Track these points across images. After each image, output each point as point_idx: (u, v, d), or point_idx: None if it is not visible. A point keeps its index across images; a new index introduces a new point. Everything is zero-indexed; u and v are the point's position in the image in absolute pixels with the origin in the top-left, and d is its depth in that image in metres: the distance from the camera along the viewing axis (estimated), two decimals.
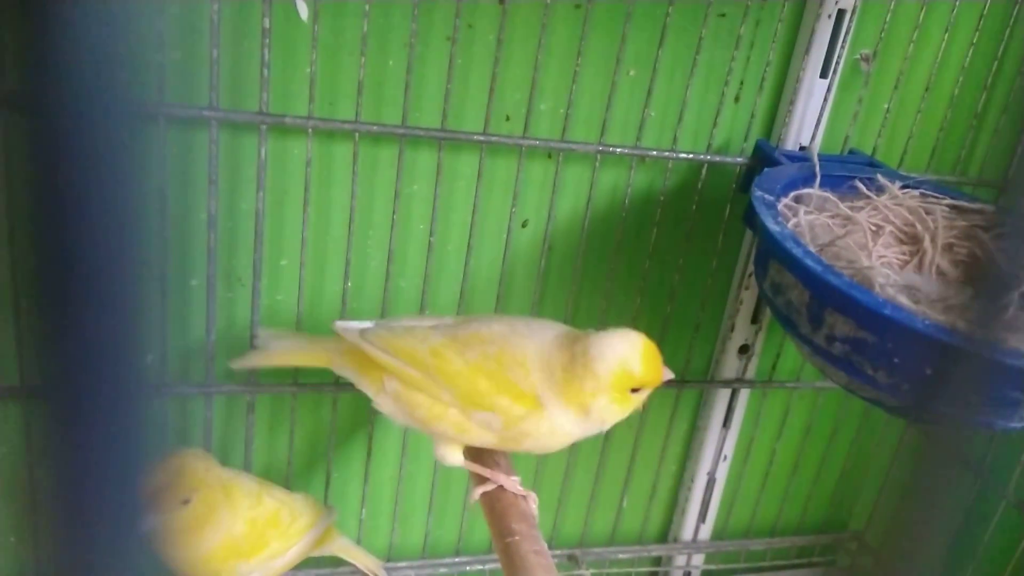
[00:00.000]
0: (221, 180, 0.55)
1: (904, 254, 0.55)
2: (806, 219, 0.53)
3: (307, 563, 0.67)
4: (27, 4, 0.12)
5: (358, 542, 0.68)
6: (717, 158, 0.63)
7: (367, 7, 0.52)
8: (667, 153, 0.62)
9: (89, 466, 0.14)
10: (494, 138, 0.58)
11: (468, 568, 0.71)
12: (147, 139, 0.13)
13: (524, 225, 0.63)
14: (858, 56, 0.65)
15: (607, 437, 0.71)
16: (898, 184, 0.59)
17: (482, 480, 0.51)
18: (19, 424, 0.57)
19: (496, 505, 0.50)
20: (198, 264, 0.56)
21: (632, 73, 0.61)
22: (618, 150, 0.61)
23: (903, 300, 0.46)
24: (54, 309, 0.14)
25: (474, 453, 0.52)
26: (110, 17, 0.13)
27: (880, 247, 0.54)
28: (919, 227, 0.56)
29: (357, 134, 0.55)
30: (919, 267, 0.55)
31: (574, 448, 0.71)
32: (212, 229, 0.54)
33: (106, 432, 0.14)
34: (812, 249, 0.48)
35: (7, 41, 0.13)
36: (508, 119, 0.59)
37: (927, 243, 0.55)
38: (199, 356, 0.58)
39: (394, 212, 0.58)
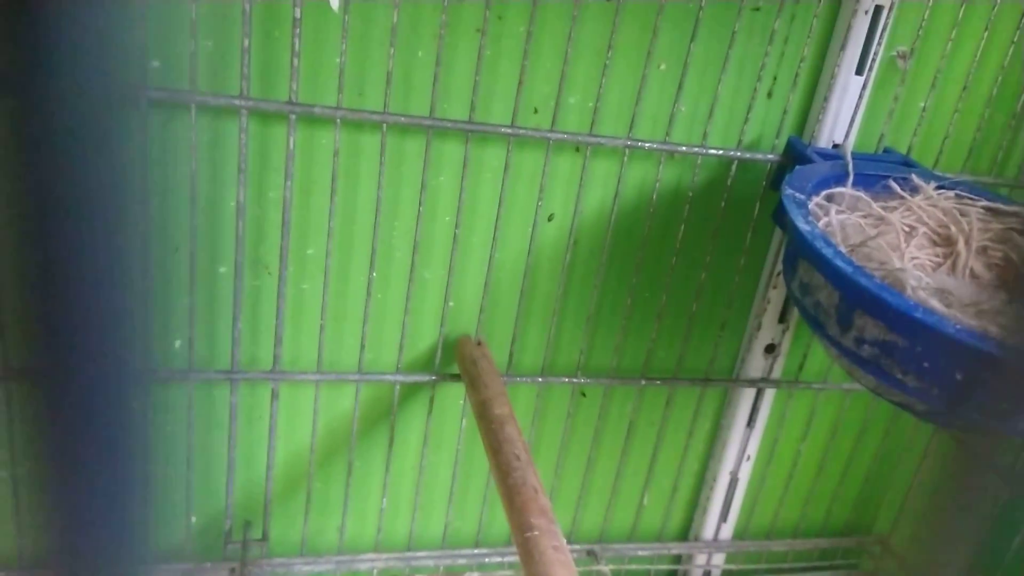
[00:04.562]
0: (250, 169, 0.55)
1: (937, 256, 0.54)
2: (837, 218, 0.52)
3: (318, 550, 0.68)
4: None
5: (378, 532, 0.69)
6: (748, 155, 0.62)
7: None
8: (697, 149, 0.61)
9: (85, 453, 0.14)
10: (521, 131, 0.57)
11: (487, 560, 0.71)
12: (135, 122, 0.13)
13: (550, 219, 0.63)
14: (894, 53, 0.64)
15: (629, 434, 0.71)
16: (933, 184, 0.58)
17: None
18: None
19: (516, 499, 0.50)
20: (226, 252, 0.57)
21: (663, 67, 0.60)
22: (647, 145, 0.60)
23: (935, 303, 0.46)
24: (41, 293, 0.14)
25: (495, 446, 0.52)
26: (137, 9, 0.13)
27: (913, 248, 0.53)
28: (953, 229, 0.55)
29: (385, 125, 0.55)
30: (952, 270, 0.54)
31: (596, 444, 0.71)
32: (240, 217, 0.55)
33: (104, 419, 0.14)
34: (843, 249, 0.47)
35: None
36: (536, 112, 0.59)
37: (961, 245, 0.53)
38: (225, 343, 0.59)
39: (420, 203, 0.58)
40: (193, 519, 0.64)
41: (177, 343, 0.59)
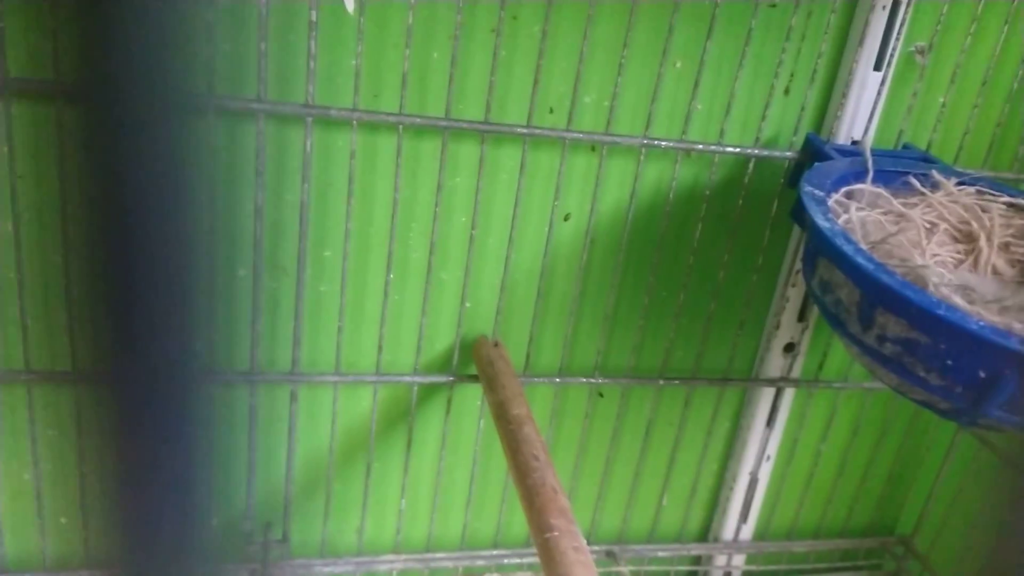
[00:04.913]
0: (267, 171, 0.55)
1: (959, 253, 0.54)
2: (857, 215, 0.52)
3: (338, 552, 0.68)
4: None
5: (397, 533, 0.69)
6: (765, 152, 0.62)
7: (412, 0, 0.52)
8: (713, 147, 0.61)
9: (147, 452, 0.15)
10: (537, 131, 0.57)
11: (506, 561, 0.71)
12: (202, 130, 0.13)
13: (566, 219, 0.63)
14: (913, 48, 0.63)
15: (648, 434, 0.71)
16: (953, 180, 0.57)
17: None
18: (70, 408, 0.58)
19: (535, 500, 0.50)
20: (244, 254, 0.57)
21: (679, 65, 0.60)
22: (663, 143, 0.60)
23: (957, 300, 0.45)
24: (111, 297, 0.14)
25: (513, 447, 0.52)
26: (165, 9, 0.13)
27: (934, 245, 0.53)
28: (975, 225, 0.54)
29: (401, 126, 0.55)
30: (974, 266, 0.53)
31: (614, 444, 0.71)
32: (258, 220, 0.55)
33: (165, 418, 0.14)
34: (863, 247, 0.46)
35: (64, 34, 0.13)
36: (552, 111, 0.59)
37: (983, 242, 0.53)
38: (243, 344, 0.59)
39: (436, 204, 0.58)
40: (213, 520, 0.65)
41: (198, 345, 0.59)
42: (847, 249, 0.45)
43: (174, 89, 0.13)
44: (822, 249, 0.49)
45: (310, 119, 0.53)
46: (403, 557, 0.68)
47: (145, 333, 0.14)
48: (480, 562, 0.71)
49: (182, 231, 0.14)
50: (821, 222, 0.47)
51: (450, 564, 0.70)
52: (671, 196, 0.62)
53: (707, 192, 0.63)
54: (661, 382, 0.68)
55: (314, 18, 0.51)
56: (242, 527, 0.65)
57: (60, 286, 0.55)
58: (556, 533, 0.47)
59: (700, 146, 0.61)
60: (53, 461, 0.60)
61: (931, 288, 0.46)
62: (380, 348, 0.62)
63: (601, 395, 0.69)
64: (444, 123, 0.55)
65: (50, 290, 0.56)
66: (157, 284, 0.14)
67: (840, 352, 0.71)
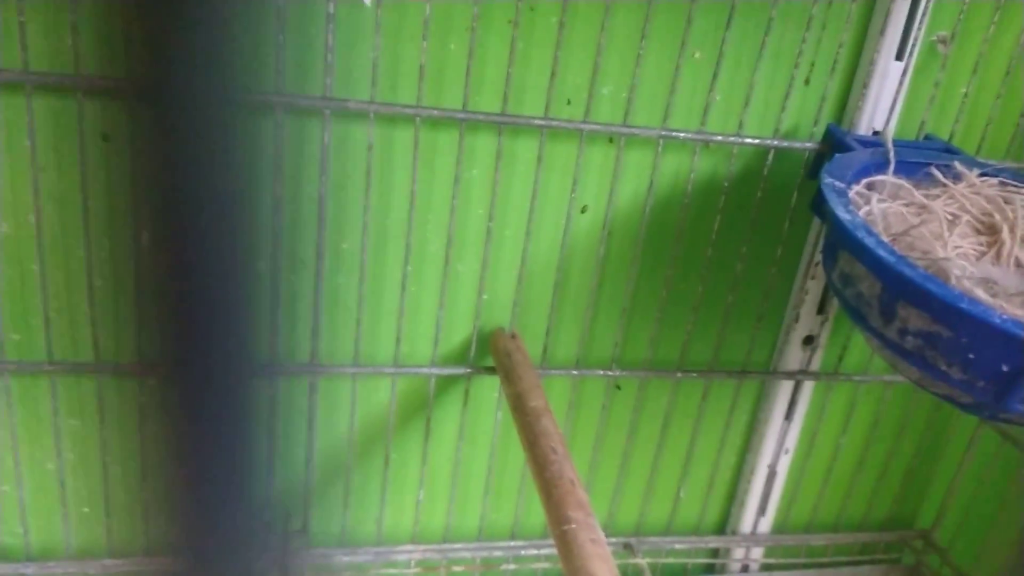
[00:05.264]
0: (285, 164, 0.55)
1: (981, 245, 0.53)
2: (879, 207, 0.51)
3: (357, 542, 0.68)
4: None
5: (415, 524, 0.69)
6: (785, 143, 0.61)
7: None
8: (732, 138, 0.60)
9: (207, 442, 0.15)
10: (554, 122, 0.57)
11: (523, 552, 0.71)
12: (259, 127, 0.13)
13: (583, 211, 0.62)
14: (935, 38, 0.62)
15: (665, 427, 0.71)
16: (976, 172, 0.57)
17: None
18: (93, 397, 0.59)
19: (553, 492, 0.50)
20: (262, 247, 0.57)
21: (697, 55, 0.59)
22: (681, 135, 0.60)
23: (980, 293, 0.45)
24: (173, 292, 0.14)
25: (531, 439, 0.52)
26: (231, 11, 0.13)
27: (956, 237, 0.52)
28: (997, 217, 0.53)
29: (418, 118, 0.55)
30: (997, 259, 0.52)
31: (632, 437, 0.71)
32: (277, 213, 0.55)
33: (222, 410, 0.15)
34: (885, 239, 0.46)
35: (135, 33, 0.13)
36: (569, 103, 0.59)
37: (1005, 234, 0.52)
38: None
39: (453, 197, 0.58)
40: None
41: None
42: (868, 241, 0.44)
43: (241, 88, 0.13)
44: (843, 241, 0.48)
45: (328, 111, 0.54)
46: (421, 547, 0.69)
47: (208, 327, 0.14)
48: (498, 553, 0.71)
49: (244, 227, 0.14)
50: (842, 214, 0.47)
51: (468, 555, 0.70)
52: (689, 188, 0.62)
53: (726, 184, 0.62)
54: (679, 374, 0.68)
55: (332, 10, 0.51)
56: (263, 517, 0.65)
57: (83, 278, 0.56)
58: (574, 525, 0.47)
59: (719, 137, 0.60)
60: (76, 451, 0.61)
61: (953, 281, 0.45)
62: (398, 340, 0.62)
63: (618, 387, 0.69)
64: (461, 115, 0.55)
65: (72, 282, 0.56)
66: (221, 279, 0.14)
67: (860, 345, 0.71)
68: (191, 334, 0.14)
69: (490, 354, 0.64)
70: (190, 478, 0.15)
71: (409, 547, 0.68)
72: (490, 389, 0.67)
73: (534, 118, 0.57)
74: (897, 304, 0.45)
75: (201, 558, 0.15)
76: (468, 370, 0.64)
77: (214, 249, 0.14)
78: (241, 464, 0.15)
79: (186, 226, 0.13)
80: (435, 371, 0.63)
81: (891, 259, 0.43)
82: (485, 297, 0.63)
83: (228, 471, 0.15)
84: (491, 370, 0.64)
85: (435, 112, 0.55)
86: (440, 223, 0.60)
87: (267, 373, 0.15)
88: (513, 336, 0.63)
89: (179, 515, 0.15)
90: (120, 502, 0.63)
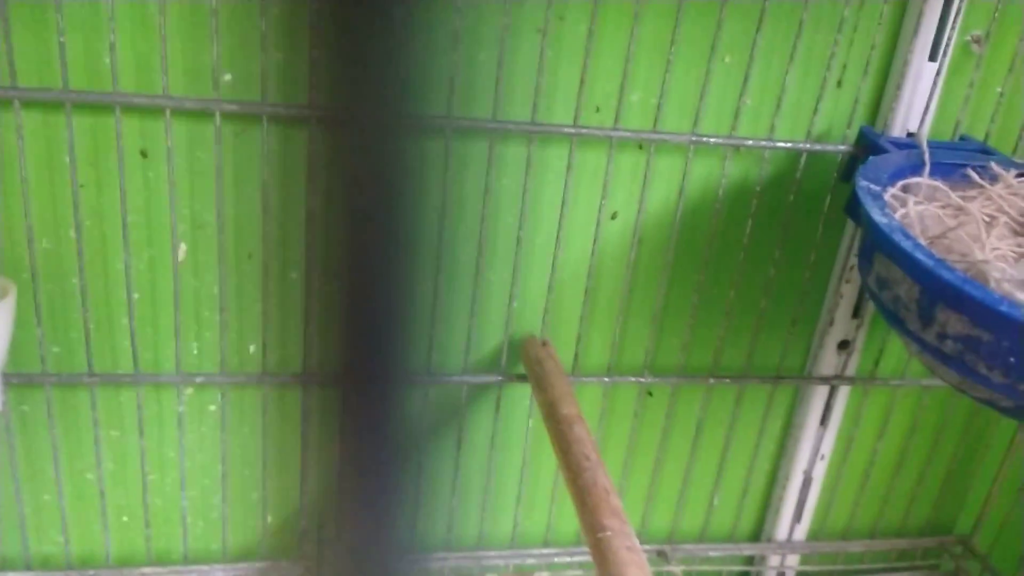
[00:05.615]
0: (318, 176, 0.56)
1: (1020, 247, 0.52)
2: (915, 210, 0.50)
3: None
4: (338, 24, 0.13)
5: (448, 530, 0.69)
6: (817, 146, 0.61)
7: (459, 1, 0.53)
8: (764, 142, 0.60)
9: (374, 450, 0.15)
10: (584, 130, 0.57)
11: (556, 559, 0.71)
12: (430, 150, 0.14)
13: (614, 217, 0.62)
14: (969, 38, 0.61)
15: (698, 433, 0.70)
16: (1013, 172, 0.56)
17: None
18: (132, 408, 0.60)
19: (587, 499, 0.50)
20: (296, 257, 0.58)
21: (728, 60, 0.59)
22: (712, 140, 0.59)
23: (1020, 296, 0.44)
24: (347, 303, 0.14)
25: (564, 447, 0.52)
26: (418, 35, 0.13)
27: (994, 239, 0.51)
28: None
29: (448, 129, 0.56)
30: None
31: (664, 443, 0.70)
32: (311, 223, 0.55)
33: (391, 420, 0.15)
34: (922, 242, 0.46)
35: (318, 61, 0.14)
36: (598, 110, 0.59)
37: None
38: (296, 346, 0.60)
39: (484, 206, 0.59)
40: (269, 519, 0.66)
41: (251, 348, 0.60)
42: (906, 245, 0.44)
43: (416, 111, 0.14)
44: (879, 245, 0.48)
45: None
46: (455, 554, 0.69)
47: (375, 337, 0.15)
48: (531, 560, 0.71)
49: (415, 245, 0.15)
50: (878, 217, 0.46)
51: (501, 562, 0.70)
52: (720, 193, 0.61)
53: (757, 188, 0.62)
54: (711, 381, 0.67)
55: None
56: (297, 525, 0.66)
57: (122, 291, 0.57)
58: (609, 533, 0.47)
59: (750, 142, 0.60)
60: (115, 461, 0.62)
61: (992, 284, 0.45)
62: (430, 348, 0.62)
63: (650, 394, 0.69)
64: (492, 125, 0.56)
65: (112, 295, 0.57)
66: (388, 292, 0.15)
67: (897, 349, 0.70)
68: (363, 344, 0.15)
69: (521, 362, 0.64)
70: (356, 486, 0.15)
71: (443, 554, 0.69)
72: (522, 397, 0.67)
73: (564, 126, 0.57)
74: (936, 308, 0.44)
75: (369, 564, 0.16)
76: (500, 378, 0.64)
77: (392, 265, 0.14)
78: (398, 475, 0.15)
79: (369, 243, 0.14)
80: (467, 379, 0.64)
81: (929, 262, 0.43)
82: (516, 305, 0.63)
83: (388, 479, 0.15)
84: (523, 378, 0.64)
85: (465, 122, 0.55)
86: (470, 232, 0.60)
87: (427, 382, 0.15)
88: (544, 344, 0.64)
89: (344, 523, 0.15)
90: (159, 511, 0.64)
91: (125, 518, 0.64)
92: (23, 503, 0.61)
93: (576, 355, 0.65)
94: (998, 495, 0.75)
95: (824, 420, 0.71)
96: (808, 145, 0.61)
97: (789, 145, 0.60)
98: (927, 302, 0.45)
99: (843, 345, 0.68)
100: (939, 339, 0.45)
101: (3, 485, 0.60)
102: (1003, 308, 0.40)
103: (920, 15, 0.58)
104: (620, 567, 0.45)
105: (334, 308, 0.14)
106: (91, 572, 0.63)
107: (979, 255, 0.47)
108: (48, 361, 0.57)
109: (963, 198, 0.53)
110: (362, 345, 0.14)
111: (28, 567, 0.62)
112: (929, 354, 0.46)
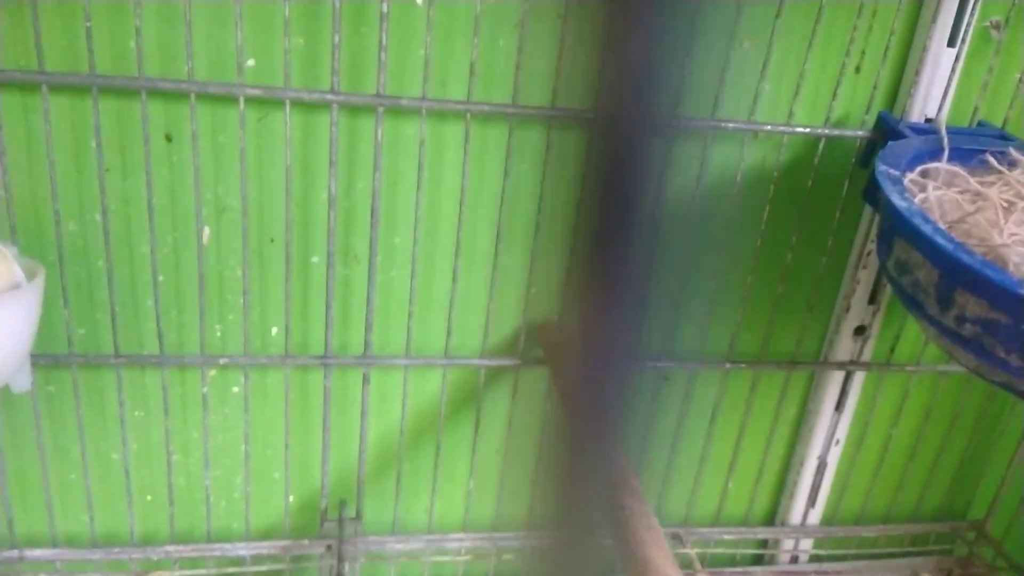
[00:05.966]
0: (340, 161, 0.56)
1: None
2: (934, 195, 0.51)
3: (409, 529, 0.69)
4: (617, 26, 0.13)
5: (465, 512, 0.70)
6: (836, 132, 0.61)
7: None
8: (782, 127, 0.60)
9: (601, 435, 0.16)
10: None
11: None
12: (681, 150, 0.14)
13: None
14: (988, 23, 0.61)
15: (714, 418, 0.71)
16: None
17: None
18: (157, 389, 0.61)
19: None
20: (318, 242, 0.59)
21: (746, 45, 0.59)
22: (731, 125, 0.60)
23: None
24: (597, 296, 0.15)
25: None
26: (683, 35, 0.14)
27: (1012, 224, 0.51)
28: None
29: (468, 114, 0.56)
30: None
31: (680, 427, 0.71)
32: (331, 208, 0.56)
33: (619, 407, 0.16)
34: (941, 226, 0.46)
35: (592, 66, 0.14)
36: None
37: None
38: (318, 330, 0.61)
39: (503, 191, 0.59)
40: (291, 499, 0.67)
41: (274, 330, 0.61)
42: (925, 229, 0.44)
43: (669, 113, 0.14)
44: (899, 229, 0.48)
45: (381, 109, 0.55)
46: (472, 536, 0.70)
47: (613, 324, 0.15)
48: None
49: (664, 243, 0.15)
50: (898, 202, 0.47)
51: (518, 543, 0.71)
52: (739, 178, 0.62)
53: (775, 174, 0.62)
54: (727, 365, 0.68)
55: (385, 9, 0.52)
56: (318, 504, 0.67)
57: (147, 274, 0.58)
58: (627, 513, 0.48)
59: (768, 127, 0.60)
60: (140, 441, 0.63)
61: (1012, 267, 0.45)
62: (448, 332, 0.63)
63: (667, 378, 0.69)
64: (512, 110, 0.56)
65: (137, 278, 0.58)
66: (630, 289, 0.15)
67: (912, 335, 0.70)
68: (591, 333, 0.15)
69: (539, 345, 0.64)
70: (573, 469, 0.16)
71: (460, 535, 0.69)
72: (539, 380, 0.67)
73: (584, 111, 0.57)
74: (955, 291, 0.45)
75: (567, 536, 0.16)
76: (517, 362, 0.65)
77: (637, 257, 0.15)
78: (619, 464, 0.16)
79: (625, 240, 0.15)
80: (485, 362, 0.64)
81: (949, 246, 0.43)
82: (534, 290, 0.64)
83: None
84: (540, 361, 0.64)
85: (485, 107, 0.56)
86: (489, 218, 0.61)
87: (655, 374, 0.16)
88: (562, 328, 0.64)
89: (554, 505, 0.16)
90: (183, 490, 0.65)
91: (149, 497, 0.65)
92: (49, 482, 0.62)
93: None
94: (1012, 481, 0.75)
95: (839, 405, 0.72)
96: (826, 131, 0.61)
97: (807, 130, 0.61)
98: (946, 286, 0.45)
99: (859, 331, 0.69)
100: (957, 322, 0.45)
101: (30, 464, 0.62)
102: (1022, 291, 0.41)
103: (939, 0, 0.58)
104: (639, 546, 0.46)
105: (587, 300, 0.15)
106: (116, 550, 0.64)
107: (998, 240, 0.47)
108: (74, 342, 0.58)
109: (981, 183, 0.53)
110: (592, 334, 0.15)
111: (54, 544, 0.64)
112: (947, 338, 0.46)
